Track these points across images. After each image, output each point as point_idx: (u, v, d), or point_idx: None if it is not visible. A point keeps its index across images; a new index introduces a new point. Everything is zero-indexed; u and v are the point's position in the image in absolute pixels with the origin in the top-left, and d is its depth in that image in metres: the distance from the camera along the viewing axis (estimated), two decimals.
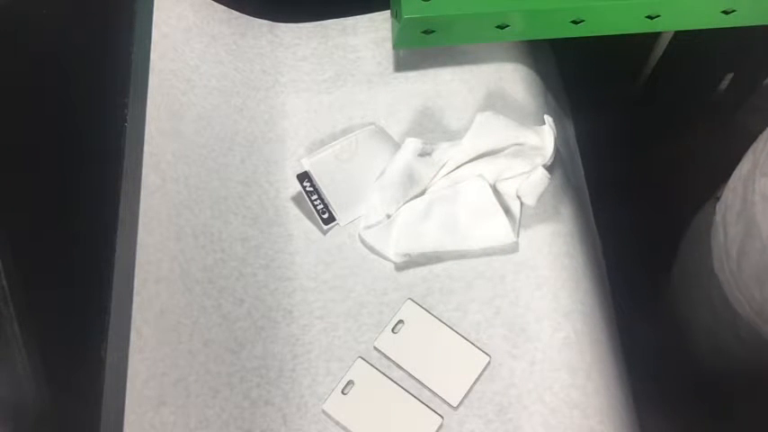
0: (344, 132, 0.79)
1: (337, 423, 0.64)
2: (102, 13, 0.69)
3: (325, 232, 0.74)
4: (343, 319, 0.69)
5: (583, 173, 0.84)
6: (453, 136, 0.78)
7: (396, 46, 0.79)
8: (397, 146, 0.78)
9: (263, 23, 0.85)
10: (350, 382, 0.65)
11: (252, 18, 0.85)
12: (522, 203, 0.71)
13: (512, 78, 0.83)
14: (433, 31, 0.74)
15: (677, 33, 1.06)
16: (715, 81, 1.12)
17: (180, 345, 0.61)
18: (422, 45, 0.77)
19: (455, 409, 0.64)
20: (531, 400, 0.64)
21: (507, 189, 0.71)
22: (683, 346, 0.68)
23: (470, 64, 0.84)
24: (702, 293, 0.62)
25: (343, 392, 0.65)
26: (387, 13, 0.85)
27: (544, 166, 0.70)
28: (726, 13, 0.74)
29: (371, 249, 0.72)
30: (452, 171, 0.73)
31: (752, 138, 0.65)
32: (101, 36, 0.68)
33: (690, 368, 0.70)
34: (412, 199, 0.72)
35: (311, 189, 0.75)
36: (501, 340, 0.67)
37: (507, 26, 0.74)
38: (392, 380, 0.65)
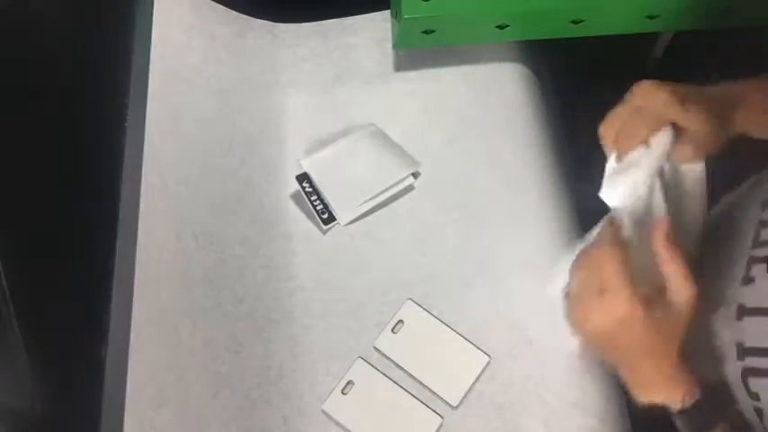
0: (344, 132, 0.79)
1: (337, 423, 0.64)
2: (102, 14, 0.69)
3: (325, 232, 0.74)
4: (343, 319, 0.69)
5: None
6: (453, 136, 0.78)
7: (396, 46, 0.79)
8: (396, 146, 0.78)
9: (263, 23, 0.85)
10: (350, 382, 0.65)
11: (252, 18, 0.85)
12: None
13: (511, 78, 0.83)
14: (433, 31, 0.74)
15: (677, 33, 1.06)
16: (715, 81, 1.12)
17: (180, 345, 0.61)
18: (422, 45, 0.77)
19: (455, 408, 0.64)
20: (530, 399, 0.64)
21: None
22: None
23: (470, 64, 0.84)
24: None
25: (343, 392, 0.65)
26: (387, 13, 0.85)
27: None
28: (726, 12, 0.74)
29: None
30: None
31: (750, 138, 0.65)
32: (101, 36, 0.68)
33: None
34: None
35: (310, 190, 0.75)
36: (501, 340, 0.67)
37: (507, 26, 0.74)
38: (392, 380, 0.65)
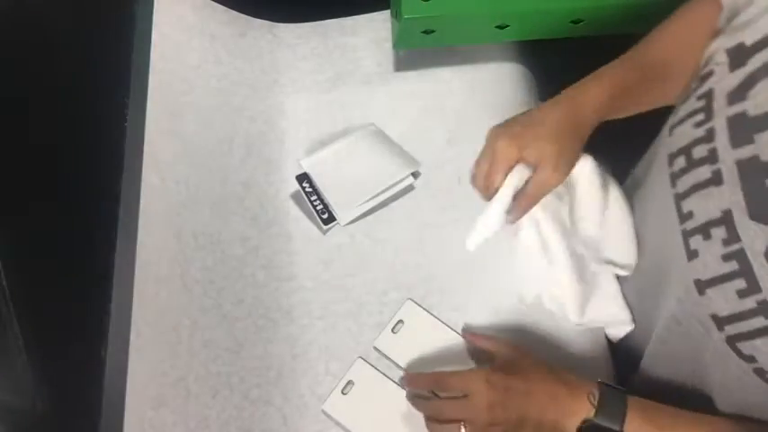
0: (344, 132, 0.79)
1: (337, 423, 0.64)
2: (102, 14, 0.69)
3: (324, 232, 0.74)
4: (343, 319, 0.69)
5: None
6: (453, 136, 0.78)
7: (396, 46, 0.79)
8: (396, 146, 0.78)
9: (263, 23, 0.85)
10: (350, 382, 0.65)
11: (252, 18, 0.85)
12: None
13: (510, 78, 0.83)
14: (433, 31, 0.74)
15: None
16: None
17: (180, 345, 0.61)
18: (422, 45, 0.77)
19: None
20: None
21: None
22: None
23: (470, 64, 0.84)
24: None
25: (343, 392, 0.65)
26: (387, 13, 0.85)
27: None
28: None
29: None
30: None
31: None
32: (101, 36, 0.68)
33: None
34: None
35: (310, 190, 0.75)
36: None
37: (507, 26, 0.74)
38: (392, 380, 0.65)
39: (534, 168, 0.59)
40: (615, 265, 0.65)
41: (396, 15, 0.75)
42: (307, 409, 0.64)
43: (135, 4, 0.72)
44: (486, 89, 0.82)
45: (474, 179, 0.62)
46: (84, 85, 0.62)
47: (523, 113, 0.62)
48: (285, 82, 0.83)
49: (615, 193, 0.65)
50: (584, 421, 0.53)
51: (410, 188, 0.76)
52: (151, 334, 0.59)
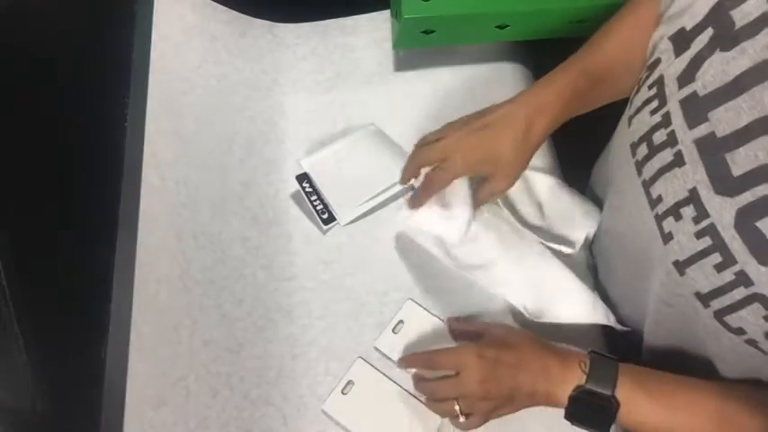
0: (344, 132, 0.79)
1: (337, 423, 0.64)
2: (102, 13, 0.69)
3: (324, 232, 0.74)
4: (343, 319, 0.69)
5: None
6: None
7: (396, 46, 0.79)
8: (396, 146, 0.78)
9: (263, 23, 0.85)
10: (350, 382, 0.65)
11: (252, 18, 0.85)
12: None
13: (511, 78, 0.83)
14: (433, 31, 0.74)
15: None
16: None
17: (180, 345, 0.61)
18: (422, 45, 0.77)
19: None
20: None
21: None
22: None
23: (470, 64, 0.84)
24: None
25: (342, 392, 0.65)
26: (387, 13, 0.85)
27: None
28: None
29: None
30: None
31: None
32: (101, 36, 0.68)
33: None
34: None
35: (310, 190, 0.75)
36: None
37: (507, 26, 0.74)
38: (392, 380, 0.65)
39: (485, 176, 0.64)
40: (563, 243, 0.69)
41: (396, 15, 0.75)
42: (307, 409, 0.64)
43: (135, 4, 0.72)
44: (486, 89, 0.82)
45: (415, 162, 0.66)
46: (84, 85, 0.62)
47: (484, 117, 0.64)
48: (285, 82, 0.83)
49: (550, 180, 0.69)
50: (576, 388, 0.54)
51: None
52: (151, 334, 0.59)
